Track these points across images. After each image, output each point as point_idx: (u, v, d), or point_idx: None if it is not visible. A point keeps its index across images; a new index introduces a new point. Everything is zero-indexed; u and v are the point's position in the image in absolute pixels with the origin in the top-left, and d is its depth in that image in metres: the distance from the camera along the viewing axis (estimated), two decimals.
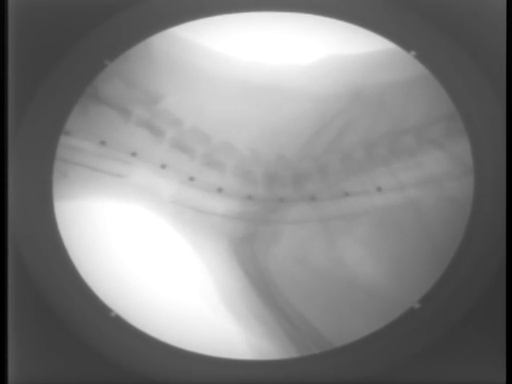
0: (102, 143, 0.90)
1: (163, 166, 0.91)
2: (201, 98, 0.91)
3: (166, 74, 0.90)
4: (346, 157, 0.93)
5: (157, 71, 0.90)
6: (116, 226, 0.91)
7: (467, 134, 0.89)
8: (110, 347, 0.88)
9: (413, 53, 0.89)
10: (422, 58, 0.89)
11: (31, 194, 0.88)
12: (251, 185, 0.93)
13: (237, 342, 0.90)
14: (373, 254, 0.91)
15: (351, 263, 0.92)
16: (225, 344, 0.89)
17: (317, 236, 0.92)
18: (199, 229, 0.92)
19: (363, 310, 0.91)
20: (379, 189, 0.93)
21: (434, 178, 0.92)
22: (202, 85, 0.91)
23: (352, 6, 0.89)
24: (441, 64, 0.89)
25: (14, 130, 0.88)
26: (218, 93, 0.91)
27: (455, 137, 0.91)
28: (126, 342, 0.89)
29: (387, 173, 0.93)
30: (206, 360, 0.89)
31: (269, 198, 0.93)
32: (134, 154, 0.91)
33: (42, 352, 0.88)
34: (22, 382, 0.88)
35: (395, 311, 0.89)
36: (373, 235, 0.92)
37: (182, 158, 0.92)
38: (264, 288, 0.92)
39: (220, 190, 0.93)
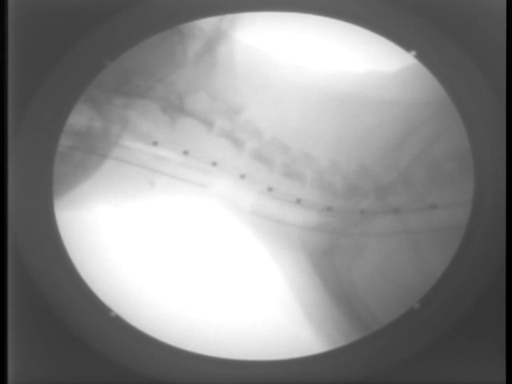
0: (185, 153, 0.91)
1: (243, 177, 0.92)
2: (281, 108, 0.91)
3: (248, 85, 0.90)
4: (433, 168, 0.90)
5: (239, 83, 0.91)
6: (123, 229, 0.92)
7: (467, 134, 0.89)
8: (109, 347, 0.88)
9: (413, 53, 0.89)
10: (422, 58, 0.89)
11: (31, 195, 0.88)
12: (331, 196, 0.92)
13: (314, 352, 0.90)
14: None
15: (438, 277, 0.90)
16: (302, 354, 0.90)
17: (402, 249, 0.90)
18: (278, 239, 0.92)
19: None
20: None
21: None
22: (283, 95, 0.91)
23: (352, 7, 0.89)
24: (441, 64, 0.89)
25: (15, 130, 0.88)
26: (299, 103, 0.91)
27: None
28: (126, 342, 0.89)
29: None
30: (206, 360, 0.89)
31: (349, 209, 0.91)
32: (214, 164, 0.92)
33: (42, 352, 0.88)
34: (22, 382, 0.88)
35: None
36: (449, 249, 0.90)
37: (261, 169, 0.92)
38: (345, 300, 0.91)
39: (299, 201, 0.92)
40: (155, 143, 0.92)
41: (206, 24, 0.90)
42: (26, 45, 0.87)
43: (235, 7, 0.89)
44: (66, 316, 0.88)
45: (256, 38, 0.90)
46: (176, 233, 0.91)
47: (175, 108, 0.91)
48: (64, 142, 0.90)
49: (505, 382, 0.89)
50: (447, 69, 0.89)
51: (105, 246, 0.91)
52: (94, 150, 0.91)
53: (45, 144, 0.89)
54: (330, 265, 0.91)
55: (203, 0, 0.89)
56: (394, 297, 0.90)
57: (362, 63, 0.90)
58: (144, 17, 0.89)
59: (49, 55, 0.88)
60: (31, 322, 0.88)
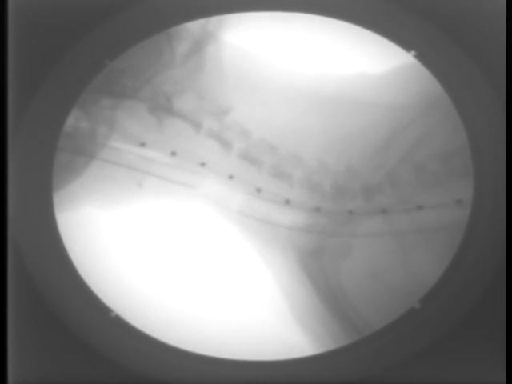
0: (173, 154, 0.91)
1: (231, 177, 0.92)
2: (269, 109, 0.91)
3: (236, 86, 0.91)
4: (420, 168, 0.91)
5: (227, 84, 0.91)
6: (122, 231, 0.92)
7: (466, 134, 0.89)
8: (109, 347, 0.88)
9: (413, 53, 0.89)
10: (422, 57, 0.89)
11: (31, 195, 0.89)
12: (319, 197, 0.92)
13: (303, 352, 0.90)
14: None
15: (425, 278, 0.90)
16: (292, 354, 0.89)
17: (390, 250, 0.91)
18: (266, 240, 0.92)
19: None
20: (459, 201, 0.90)
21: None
22: (271, 96, 0.91)
23: (352, 6, 0.89)
24: (441, 64, 0.89)
25: (14, 129, 0.88)
26: (287, 104, 0.91)
27: None
28: (126, 342, 0.89)
29: (467, 185, 0.90)
30: (206, 360, 0.89)
31: (337, 210, 0.91)
32: (202, 165, 0.92)
33: (42, 352, 0.88)
34: (21, 382, 0.88)
35: None
36: (449, 250, 0.90)
37: (249, 170, 0.92)
38: (333, 301, 0.91)
39: (287, 202, 0.92)
40: (143, 144, 0.91)
41: (194, 25, 0.90)
42: (26, 45, 0.87)
43: (239, 6, 0.89)
44: (66, 316, 0.88)
45: (244, 39, 0.91)
46: (165, 234, 0.91)
47: (163, 109, 0.91)
48: None
49: (505, 382, 0.89)
50: (447, 69, 0.89)
51: (104, 247, 0.91)
52: (81, 151, 0.91)
53: (45, 144, 0.89)
54: (318, 265, 0.91)
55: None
56: (381, 297, 0.90)
57: (351, 64, 0.90)
58: (144, 16, 0.89)
59: (49, 55, 0.88)
60: (31, 322, 0.88)
